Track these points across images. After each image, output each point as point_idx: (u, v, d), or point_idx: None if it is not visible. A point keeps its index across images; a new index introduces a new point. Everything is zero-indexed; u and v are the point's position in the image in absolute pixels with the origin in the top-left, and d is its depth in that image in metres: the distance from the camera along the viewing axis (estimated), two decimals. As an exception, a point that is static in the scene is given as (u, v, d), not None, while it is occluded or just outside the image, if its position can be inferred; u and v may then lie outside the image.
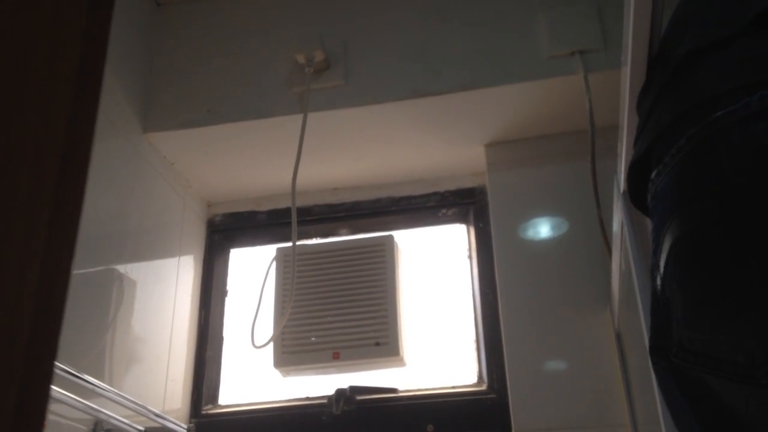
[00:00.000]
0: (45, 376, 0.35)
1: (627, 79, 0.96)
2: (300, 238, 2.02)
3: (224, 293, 2.14)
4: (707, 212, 0.66)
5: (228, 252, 2.20)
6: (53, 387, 1.26)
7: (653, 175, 0.75)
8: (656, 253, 0.73)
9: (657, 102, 0.80)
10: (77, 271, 1.52)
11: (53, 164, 0.28)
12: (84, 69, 0.28)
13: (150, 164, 1.89)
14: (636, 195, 0.91)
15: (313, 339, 1.90)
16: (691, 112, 0.70)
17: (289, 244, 1.88)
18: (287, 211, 2.11)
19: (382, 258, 1.97)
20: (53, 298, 0.34)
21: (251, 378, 2.00)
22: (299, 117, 1.78)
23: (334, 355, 1.88)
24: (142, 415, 1.61)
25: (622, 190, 1.19)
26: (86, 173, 0.31)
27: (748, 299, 0.62)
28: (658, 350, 0.73)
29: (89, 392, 1.44)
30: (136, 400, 1.57)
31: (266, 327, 1.94)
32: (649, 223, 1.10)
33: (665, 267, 0.71)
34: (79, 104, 0.29)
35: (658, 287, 0.73)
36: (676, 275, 0.69)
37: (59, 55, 0.28)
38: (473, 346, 1.93)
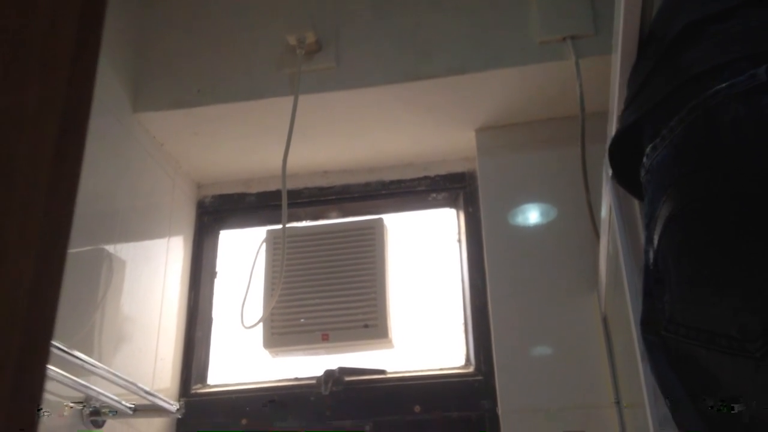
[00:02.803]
0: (43, 347, 0.36)
1: (617, 66, 0.97)
2: (290, 220, 2.02)
3: (214, 274, 2.14)
4: (709, 184, 0.65)
5: (218, 233, 2.20)
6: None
7: (648, 149, 0.73)
8: (650, 227, 0.72)
9: (652, 75, 0.78)
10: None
11: (52, 133, 0.29)
12: (83, 33, 0.29)
13: (140, 144, 1.89)
14: (621, 171, 0.89)
15: (302, 320, 1.91)
16: (690, 83, 0.68)
17: (279, 226, 1.89)
18: (277, 193, 2.11)
19: (372, 241, 1.98)
20: (51, 274, 0.35)
21: (240, 358, 2.02)
22: (290, 99, 1.78)
23: (323, 337, 1.89)
24: (133, 392, 1.62)
25: (610, 175, 1.20)
26: (83, 148, 0.31)
27: (746, 273, 0.61)
28: (649, 325, 0.72)
29: (79, 369, 1.44)
30: (126, 378, 1.58)
31: (256, 308, 1.95)
32: (638, 207, 1.11)
33: (659, 240, 0.70)
34: (78, 65, 0.29)
35: (651, 262, 0.72)
36: (672, 248, 0.68)
37: (59, 18, 0.29)
38: (461, 329, 1.95)
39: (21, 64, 0.31)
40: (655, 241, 0.71)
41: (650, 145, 0.73)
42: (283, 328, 1.91)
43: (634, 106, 0.80)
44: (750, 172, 0.62)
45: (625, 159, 0.86)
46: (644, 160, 0.75)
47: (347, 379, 1.87)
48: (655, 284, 0.71)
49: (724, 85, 0.65)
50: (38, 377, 0.36)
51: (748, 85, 0.63)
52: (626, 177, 0.89)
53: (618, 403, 1.59)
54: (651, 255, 0.72)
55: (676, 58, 0.73)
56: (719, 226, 0.64)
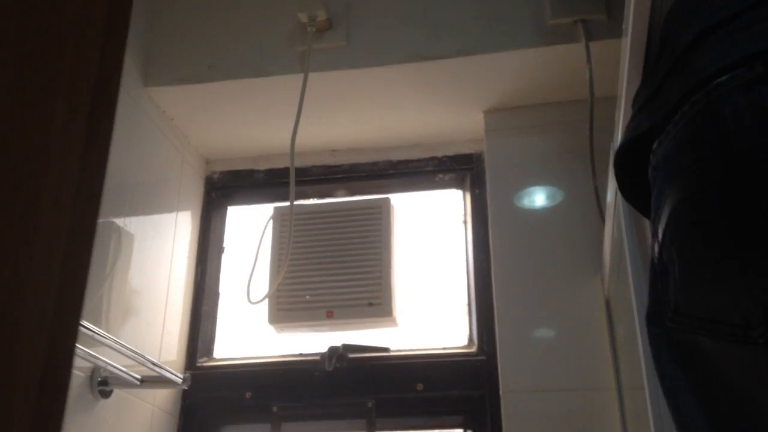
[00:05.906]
0: (74, 317, 0.37)
1: (627, 50, 0.97)
2: (297, 198, 2.03)
3: (221, 249, 2.16)
4: (709, 174, 0.66)
5: (225, 209, 2.22)
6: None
7: (655, 146, 0.75)
8: (655, 221, 0.74)
9: (662, 86, 0.79)
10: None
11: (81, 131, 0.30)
12: (111, 18, 0.30)
13: (150, 119, 1.90)
14: (626, 184, 0.89)
15: (307, 297, 1.93)
16: (697, 86, 0.70)
17: (287, 203, 1.90)
18: (285, 170, 2.12)
19: (378, 220, 2.00)
20: (82, 250, 0.36)
21: (246, 333, 2.04)
22: (300, 77, 1.78)
23: (328, 314, 1.91)
24: (140, 364, 1.64)
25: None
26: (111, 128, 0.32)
27: (746, 260, 0.62)
28: (654, 318, 0.73)
29: (88, 340, 1.47)
30: (134, 349, 1.60)
31: (262, 284, 1.97)
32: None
33: (664, 232, 0.71)
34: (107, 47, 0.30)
35: (656, 255, 0.73)
36: (675, 239, 0.69)
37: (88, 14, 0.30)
38: (465, 309, 1.97)
39: (48, 80, 0.32)
40: (660, 234, 0.72)
41: (656, 142, 0.74)
42: (289, 305, 1.93)
43: (642, 116, 0.81)
44: (750, 160, 0.64)
45: (630, 170, 0.86)
46: (651, 157, 0.76)
47: (351, 356, 1.89)
48: (660, 277, 0.72)
49: (724, 77, 0.66)
50: (71, 339, 0.37)
51: (746, 77, 0.65)
52: (632, 190, 0.90)
53: (618, 385, 1.61)
54: (656, 248, 0.73)
55: (685, 67, 0.74)
56: (721, 214, 0.65)
